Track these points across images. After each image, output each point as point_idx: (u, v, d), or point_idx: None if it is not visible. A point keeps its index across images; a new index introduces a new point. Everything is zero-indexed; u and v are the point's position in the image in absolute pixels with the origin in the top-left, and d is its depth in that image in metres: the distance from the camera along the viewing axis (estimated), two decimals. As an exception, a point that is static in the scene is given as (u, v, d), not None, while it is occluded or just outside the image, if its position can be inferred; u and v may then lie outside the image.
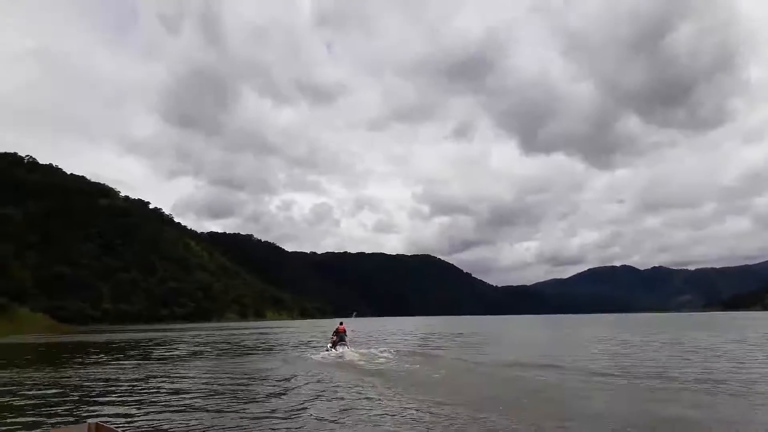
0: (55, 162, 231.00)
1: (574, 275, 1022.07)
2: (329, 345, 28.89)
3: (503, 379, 17.64)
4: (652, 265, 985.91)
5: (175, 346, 38.76)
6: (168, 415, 11.54)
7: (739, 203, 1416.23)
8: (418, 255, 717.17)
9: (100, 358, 29.18)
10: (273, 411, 11.98)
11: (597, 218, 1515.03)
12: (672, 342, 34.03)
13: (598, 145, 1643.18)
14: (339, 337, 28.65)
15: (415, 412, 11.79)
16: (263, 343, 41.67)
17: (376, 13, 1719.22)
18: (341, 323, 30.40)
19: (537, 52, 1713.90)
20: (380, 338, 45.52)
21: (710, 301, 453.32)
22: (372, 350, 29.29)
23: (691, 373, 17.53)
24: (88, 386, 16.84)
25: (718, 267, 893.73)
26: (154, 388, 15.99)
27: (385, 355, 26.69)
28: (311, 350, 31.13)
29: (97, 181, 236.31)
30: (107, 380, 18.28)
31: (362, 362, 23.09)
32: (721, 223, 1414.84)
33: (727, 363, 20.53)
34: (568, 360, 23.13)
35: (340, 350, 27.50)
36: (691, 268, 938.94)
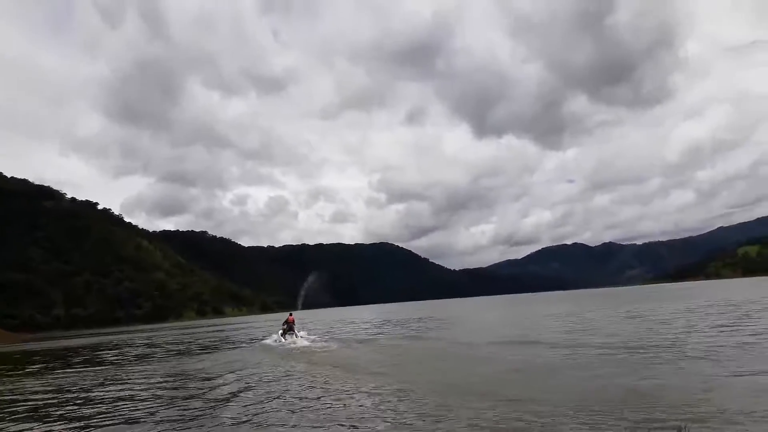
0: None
1: (528, 255, 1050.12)
2: (280, 332, 32.15)
3: (462, 361, 18.03)
4: (602, 242, 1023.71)
5: (126, 350, 39.11)
6: (116, 424, 11.37)
7: (681, 178, 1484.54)
8: (376, 243, 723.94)
9: (48, 366, 29.01)
10: (220, 411, 11.81)
11: (549, 198, 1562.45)
12: (622, 315, 36.41)
13: (548, 126, 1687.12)
14: (288, 326, 31.90)
15: (373, 401, 11.70)
16: (218, 340, 43.10)
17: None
18: (290, 314, 34.10)
19: (485, 35, 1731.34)
20: (337, 328, 47.84)
21: (658, 274, 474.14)
22: (326, 339, 31.99)
23: (640, 342, 18.84)
24: (33, 397, 16.30)
25: (663, 240, 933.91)
26: (100, 395, 15.65)
27: (336, 343, 28.83)
28: (263, 343, 33.14)
29: (40, 183, 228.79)
30: (54, 390, 17.75)
31: (316, 352, 24.70)
32: (666, 197, 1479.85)
33: (675, 331, 22.09)
34: (517, 336, 25.15)
35: (290, 339, 30.66)
36: (639, 242, 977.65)
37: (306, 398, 12.82)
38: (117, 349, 41.38)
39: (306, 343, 29.69)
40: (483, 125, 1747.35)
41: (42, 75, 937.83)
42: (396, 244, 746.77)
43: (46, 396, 16.55)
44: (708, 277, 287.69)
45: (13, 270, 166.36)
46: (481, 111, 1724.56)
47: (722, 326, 22.75)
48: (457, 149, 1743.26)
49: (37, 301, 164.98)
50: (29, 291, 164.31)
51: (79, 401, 14.92)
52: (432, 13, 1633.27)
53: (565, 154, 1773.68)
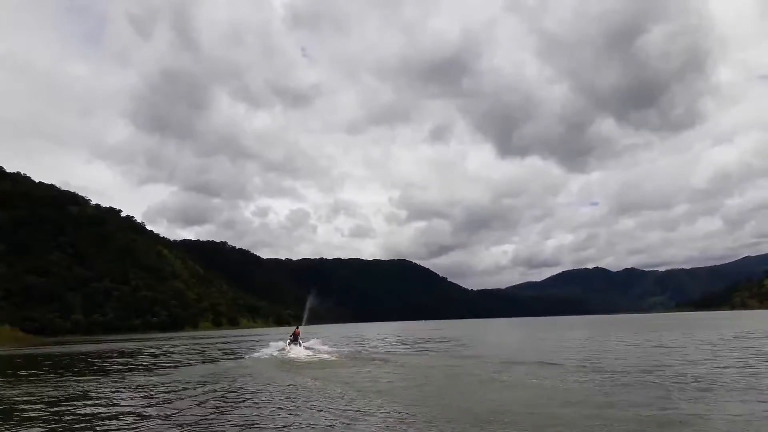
0: (23, 170, 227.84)
1: (548, 278, 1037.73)
2: (288, 341, 37.18)
3: (479, 384, 16.97)
4: (624, 267, 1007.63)
5: (130, 359, 38.62)
6: None
7: (709, 204, 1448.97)
8: (394, 260, 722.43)
9: (60, 372, 29.01)
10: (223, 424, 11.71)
11: (572, 221, 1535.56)
12: (649, 342, 34.80)
13: (573, 148, 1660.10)
14: (294, 337, 37.24)
15: (366, 428, 11.04)
16: (221, 351, 42.97)
17: (351, 14, 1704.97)
18: (297, 328, 39.71)
19: (512, 54, 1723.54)
20: (346, 342, 49.10)
21: (681, 302, 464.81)
22: (331, 352, 33.51)
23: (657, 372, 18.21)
24: (36, 404, 15.84)
25: (687, 268, 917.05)
26: (106, 404, 15.23)
27: (340, 357, 30.20)
28: (265, 352, 35.29)
29: (66, 189, 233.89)
30: (60, 397, 17.26)
31: (315, 365, 25.43)
32: (692, 224, 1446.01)
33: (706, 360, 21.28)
34: (538, 358, 24.69)
35: (294, 347, 35.12)
36: (662, 269, 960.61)
37: (281, 416, 12.27)
38: (124, 357, 41.27)
39: (309, 353, 32.41)
40: (507, 145, 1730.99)
41: (71, 84, 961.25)
42: (414, 262, 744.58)
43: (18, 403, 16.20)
44: (733, 307, 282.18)
45: (35, 274, 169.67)
46: (506, 130, 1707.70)
47: (757, 357, 22.09)
48: (480, 168, 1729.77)
49: (57, 305, 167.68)
50: (50, 295, 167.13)
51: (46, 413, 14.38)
52: (460, 31, 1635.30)
53: (590, 177, 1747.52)
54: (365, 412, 12.26)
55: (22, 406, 15.44)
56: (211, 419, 12.30)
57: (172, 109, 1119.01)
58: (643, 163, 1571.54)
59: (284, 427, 11.21)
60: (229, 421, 12.01)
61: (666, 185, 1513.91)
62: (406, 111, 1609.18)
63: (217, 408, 13.78)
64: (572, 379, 17.04)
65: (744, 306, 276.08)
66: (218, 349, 45.53)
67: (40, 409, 14.74)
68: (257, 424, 11.63)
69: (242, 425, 11.52)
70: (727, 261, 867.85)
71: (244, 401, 14.78)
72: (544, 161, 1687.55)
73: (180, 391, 17.59)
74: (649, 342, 35.33)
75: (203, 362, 30.97)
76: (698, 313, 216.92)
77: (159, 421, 12.29)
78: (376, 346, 41.95)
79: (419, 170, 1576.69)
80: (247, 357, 33.24)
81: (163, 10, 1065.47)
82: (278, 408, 13.37)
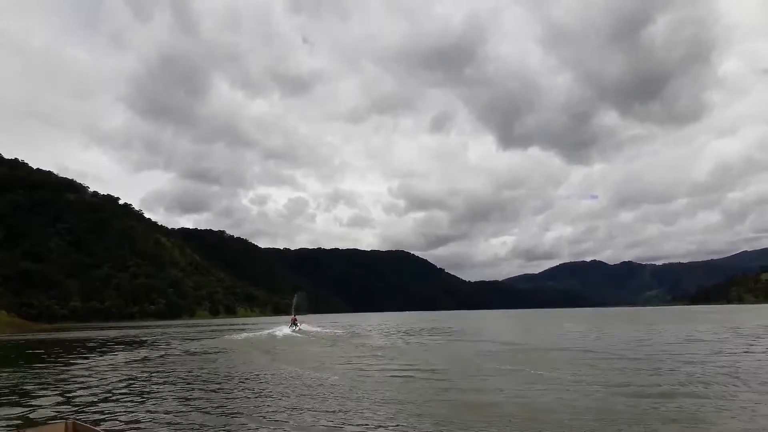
0: (20, 156, 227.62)
1: (546, 270, 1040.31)
2: (289, 324, 52.63)
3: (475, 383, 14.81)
4: (622, 260, 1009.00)
5: (106, 347, 38.48)
6: (142, 413, 11.46)
7: (710, 198, 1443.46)
8: (391, 250, 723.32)
9: (71, 356, 29.14)
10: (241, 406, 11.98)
11: (571, 213, 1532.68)
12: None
13: (576, 140, 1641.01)
14: (292, 322, 52.72)
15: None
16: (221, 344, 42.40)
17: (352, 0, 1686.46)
18: (294, 316, 55.67)
19: (516, 43, 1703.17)
20: (331, 328, 52.50)
21: (677, 296, 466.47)
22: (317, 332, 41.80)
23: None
24: (60, 385, 16.31)
25: (684, 262, 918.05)
26: (125, 386, 15.78)
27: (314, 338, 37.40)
28: (270, 333, 44.56)
29: (63, 175, 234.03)
30: (78, 379, 17.81)
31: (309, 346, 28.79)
32: (691, 218, 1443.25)
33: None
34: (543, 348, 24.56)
35: (291, 328, 49.91)
36: (659, 263, 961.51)
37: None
38: (101, 345, 40.61)
39: (313, 329, 49.17)
40: (509, 135, 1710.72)
41: (68, 67, 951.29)
42: (412, 253, 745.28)
43: (74, 383, 16.70)
44: (729, 301, 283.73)
45: (34, 260, 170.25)
46: (508, 120, 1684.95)
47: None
48: (481, 158, 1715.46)
49: (54, 291, 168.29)
50: (48, 282, 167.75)
51: (109, 390, 15.01)
52: (463, 18, 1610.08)
53: (592, 169, 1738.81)
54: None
55: None
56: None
57: (169, 95, 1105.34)
58: (645, 156, 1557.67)
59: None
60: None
61: (667, 178, 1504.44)
62: (408, 99, 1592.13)
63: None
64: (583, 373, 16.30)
65: (740, 301, 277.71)
66: (207, 336, 45.24)
67: None
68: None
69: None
70: (725, 255, 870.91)
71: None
72: (546, 152, 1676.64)
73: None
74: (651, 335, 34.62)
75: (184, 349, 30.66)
76: (695, 307, 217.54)
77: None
78: (358, 333, 44.11)
79: (420, 160, 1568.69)
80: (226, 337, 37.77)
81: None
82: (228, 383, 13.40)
